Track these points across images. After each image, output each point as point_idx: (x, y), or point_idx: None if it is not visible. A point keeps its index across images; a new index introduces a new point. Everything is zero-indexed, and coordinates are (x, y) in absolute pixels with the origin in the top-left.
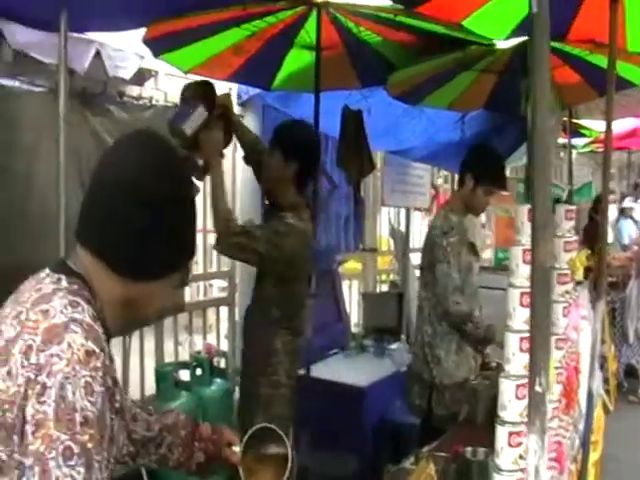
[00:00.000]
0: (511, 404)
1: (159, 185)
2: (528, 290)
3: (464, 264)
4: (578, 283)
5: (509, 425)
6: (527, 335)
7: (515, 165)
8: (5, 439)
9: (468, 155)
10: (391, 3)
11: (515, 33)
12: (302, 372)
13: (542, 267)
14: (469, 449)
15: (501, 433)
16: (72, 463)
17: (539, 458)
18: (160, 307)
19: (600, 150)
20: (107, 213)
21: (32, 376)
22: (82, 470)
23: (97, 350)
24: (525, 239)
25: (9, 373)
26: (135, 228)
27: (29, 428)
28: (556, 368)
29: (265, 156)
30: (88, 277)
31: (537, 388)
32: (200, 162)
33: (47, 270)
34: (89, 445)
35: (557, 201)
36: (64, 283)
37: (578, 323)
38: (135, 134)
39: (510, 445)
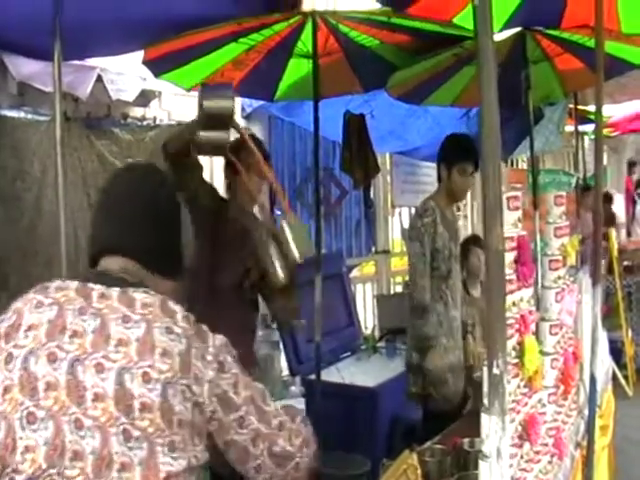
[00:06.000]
0: None
1: (176, 206)
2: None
3: (443, 246)
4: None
5: None
6: (510, 322)
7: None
8: (196, 437)
9: (439, 150)
10: (380, 6)
11: (508, 25)
12: (312, 376)
13: (495, 251)
14: (467, 440)
15: (486, 420)
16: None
17: (500, 439)
18: None
19: (613, 135)
20: (150, 232)
21: (216, 366)
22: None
23: None
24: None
25: (196, 379)
26: (171, 241)
27: (230, 393)
28: (549, 354)
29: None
30: (143, 282)
31: (495, 370)
32: None
33: (136, 291)
34: None
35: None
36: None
37: (573, 308)
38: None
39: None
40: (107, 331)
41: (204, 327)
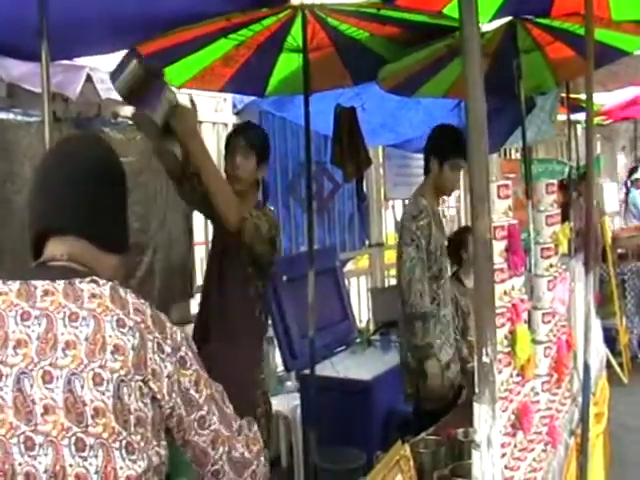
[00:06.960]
0: None
1: (121, 171)
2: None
3: (436, 247)
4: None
5: None
6: (501, 310)
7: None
8: (156, 434)
9: (427, 140)
10: None
11: (498, 15)
12: (307, 371)
13: (483, 240)
14: (461, 430)
15: (476, 409)
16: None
17: (490, 427)
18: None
19: (606, 123)
20: (94, 200)
21: (175, 360)
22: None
23: None
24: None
25: (153, 374)
26: (117, 207)
27: (192, 391)
28: (542, 342)
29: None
30: (89, 265)
31: (484, 359)
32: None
33: (65, 282)
34: None
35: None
36: (100, 286)
37: (566, 296)
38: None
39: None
40: (54, 334)
41: (162, 316)
